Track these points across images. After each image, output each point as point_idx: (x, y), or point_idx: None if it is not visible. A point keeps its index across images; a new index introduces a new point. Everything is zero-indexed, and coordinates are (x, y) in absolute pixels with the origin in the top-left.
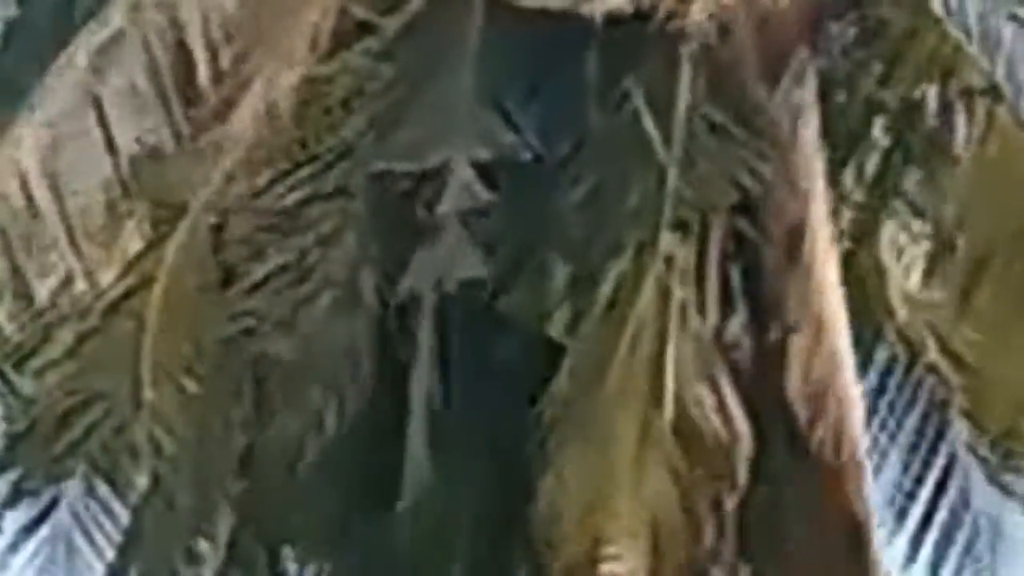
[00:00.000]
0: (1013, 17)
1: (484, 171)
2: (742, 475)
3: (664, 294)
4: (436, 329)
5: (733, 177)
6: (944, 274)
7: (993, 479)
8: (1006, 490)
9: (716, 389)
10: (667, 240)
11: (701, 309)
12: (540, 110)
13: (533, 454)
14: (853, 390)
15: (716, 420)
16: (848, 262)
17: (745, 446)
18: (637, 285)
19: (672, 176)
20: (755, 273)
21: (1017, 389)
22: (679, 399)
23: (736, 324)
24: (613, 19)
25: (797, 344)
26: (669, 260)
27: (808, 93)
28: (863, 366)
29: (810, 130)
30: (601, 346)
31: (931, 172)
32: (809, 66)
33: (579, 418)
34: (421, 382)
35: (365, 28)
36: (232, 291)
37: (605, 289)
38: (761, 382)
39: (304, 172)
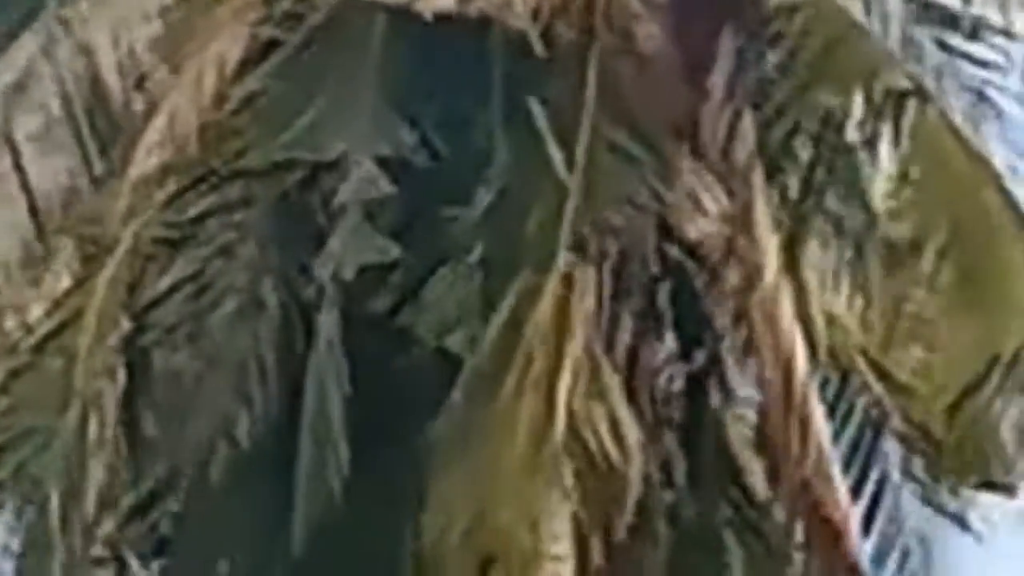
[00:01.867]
0: (937, 42)
1: (385, 166)
2: (631, 500)
3: (562, 313)
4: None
5: (633, 199)
6: (870, 291)
7: (926, 498)
8: (940, 509)
9: (611, 410)
10: (566, 259)
11: (600, 329)
12: (442, 116)
13: (426, 470)
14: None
15: (609, 442)
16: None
17: (637, 469)
18: (535, 303)
19: (573, 196)
20: (683, 297)
21: (948, 407)
22: (571, 419)
23: (664, 349)
24: (517, 32)
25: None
26: (568, 279)
27: (739, 110)
28: None
29: (746, 151)
30: (496, 362)
31: (854, 186)
32: (735, 80)
33: (470, 434)
34: (322, 381)
35: (272, 47)
36: (138, 304)
37: (504, 306)
38: (690, 407)
39: (203, 186)
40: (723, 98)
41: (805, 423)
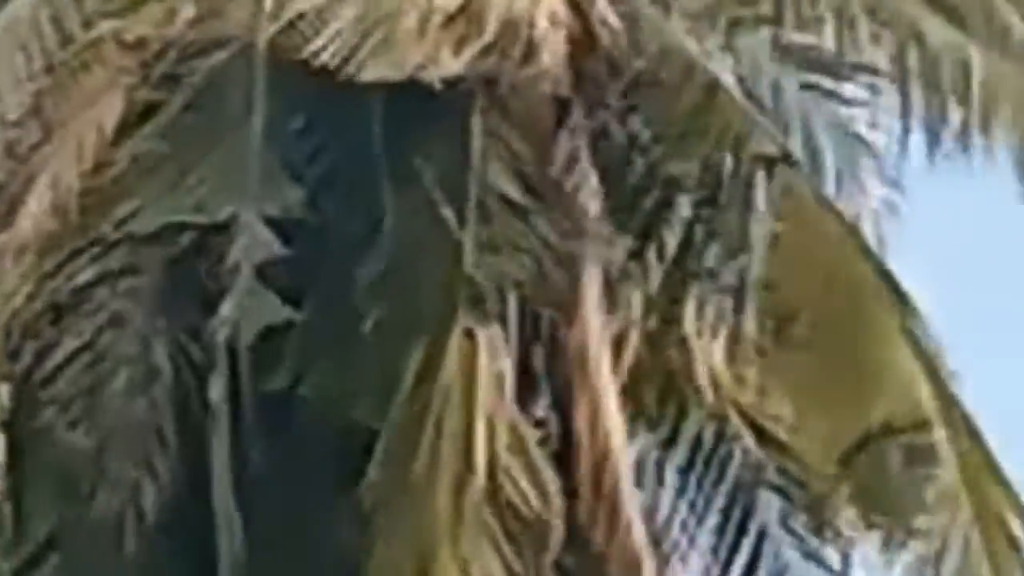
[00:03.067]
0: (805, 85)
1: (275, 226)
2: (555, 544)
3: (469, 369)
4: (232, 398)
5: (527, 250)
6: (747, 348)
7: (807, 552)
8: (821, 563)
9: (529, 461)
10: (466, 316)
11: (510, 383)
12: (329, 176)
13: (354, 540)
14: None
15: (530, 491)
16: (653, 340)
17: (557, 514)
18: (439, 365)
19: (467, 252)
20: (555, 354)
21: (823, 460)
22: (492, 476)
23: (542, 406)
24: (403, 85)
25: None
26: (470, 335)
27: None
28: (670, 443)
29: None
30: (410, 426)
31: (731, 245)
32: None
33: (396, 499)
34: (220, 456)
35: (152, 109)
36: (32, 380)
37: (409, 369)
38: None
39: (88, 254)
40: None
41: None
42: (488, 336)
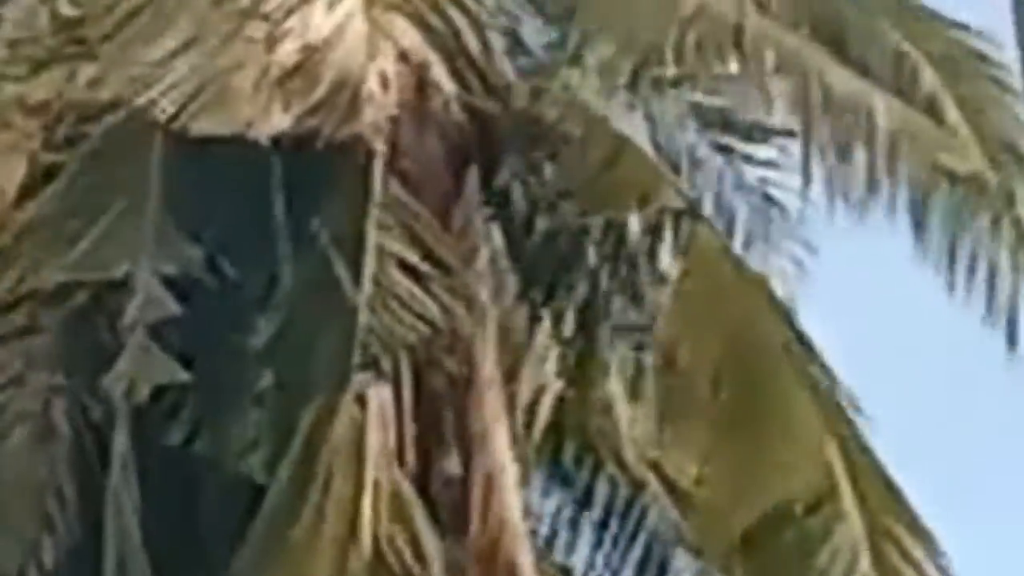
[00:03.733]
0: (719, 147)
1: (171, 285)
2: None
3: (358, 435)
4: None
5: (423, 314)
6: (657, 402)
7: None
8: None
9: (413, 531)
10: (359, 380)
11: (399, 449)
12: (226, 236)
13: None
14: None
15: (412, 563)
16: (566, 396)
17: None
18: (330, 427)
19: (362, 316)
20: (463, 411)
21: (733, 517)
22: (376, 542)
23: (451, 463)
24: (296, 146)
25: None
26: (361, 400)
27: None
28: (584, 501)
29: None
30: (295, 488)
31: (638, 298)
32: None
33: (277, 559)
34: (119, 502)
35: (53, 171)
36: None
37: (299, 431)
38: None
39: None
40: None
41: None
42: (379, 402)
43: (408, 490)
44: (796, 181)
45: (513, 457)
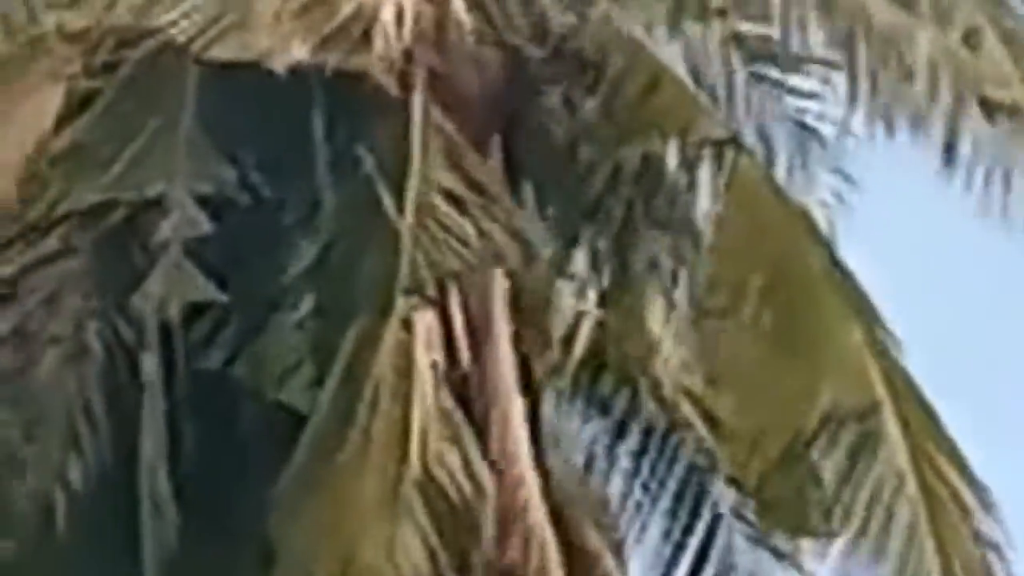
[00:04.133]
0: (756, 76)
1: (206, 204)
2: (488, 531)
3: (406, 357)
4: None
5: (465, 241)
6: (696, 334)
7: (757, 539)
8: (771, 550)
9: (462, 448)
10: (403, 304)
11: (447, 370)
12: (263, 158)
13: (273, 527)
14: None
15: (462, 479)
16: (603, 326)
17: (490, 504)
18: (375, 349)
19: (406, 241)
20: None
21: (772, 447)
22: (424, 460)
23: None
24: (337, 75)
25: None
26: (407, 324)
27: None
28: (623, 428)
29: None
30: (339, 412)
31: (676, 229)
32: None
33: (318, 487)
34: (151, 434)
35: (91, 97)
36: None
37: (342, 354)
38: None
39: (22, 242)
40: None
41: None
42: (426, 326)
43: (456, 411)
44: (837, 113)
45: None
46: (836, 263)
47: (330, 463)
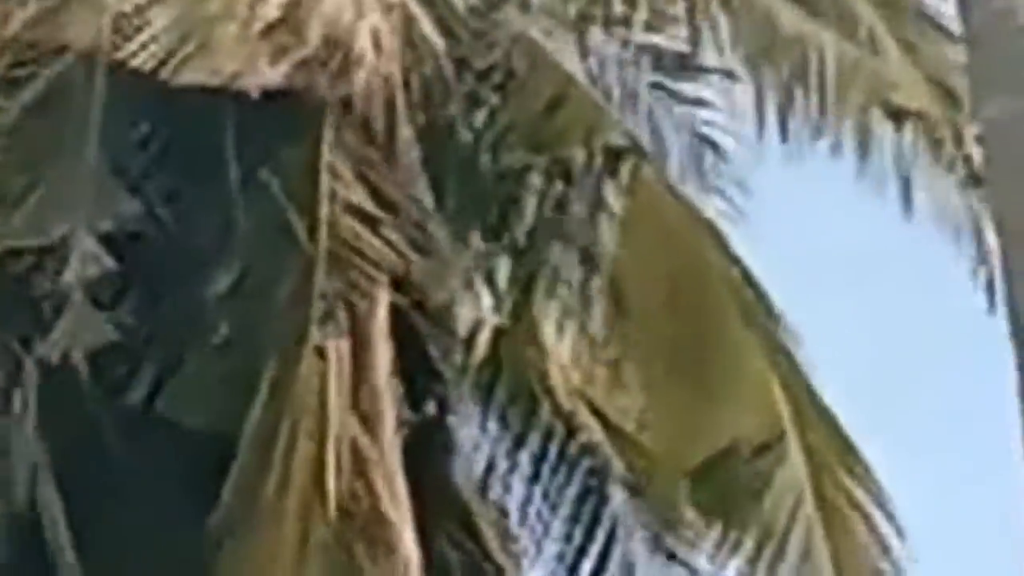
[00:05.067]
0: (654, 85)
1: (110, 242)
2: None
3: (320, 389)
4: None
5: (379, 261)
6: (595, 341)
7: (655, 546)
8: (669, 556)
9: (370, 484)
10: (317, 333)
11: (355, 400)
12: (173, 188)
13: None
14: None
15: (376, 521)
16: (503, 333)
17: (407, 542)
18: (292, 381)
19: (320, 268)
20: (410, 345)
21: (671, 454)
22: (339, 496)
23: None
24: (247, 96)
25: None
26: (321, 353)
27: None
28: (521, 437)
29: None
30: (261, 448)
31: (580, 239)
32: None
33: (243, 529)
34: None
35: None
36: None
37: (262, 387)
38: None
39: None
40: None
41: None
42: (338, 353)
43: (367, 443)
44: (735, 123)
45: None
46: (741, 271)
47: (253, 502)
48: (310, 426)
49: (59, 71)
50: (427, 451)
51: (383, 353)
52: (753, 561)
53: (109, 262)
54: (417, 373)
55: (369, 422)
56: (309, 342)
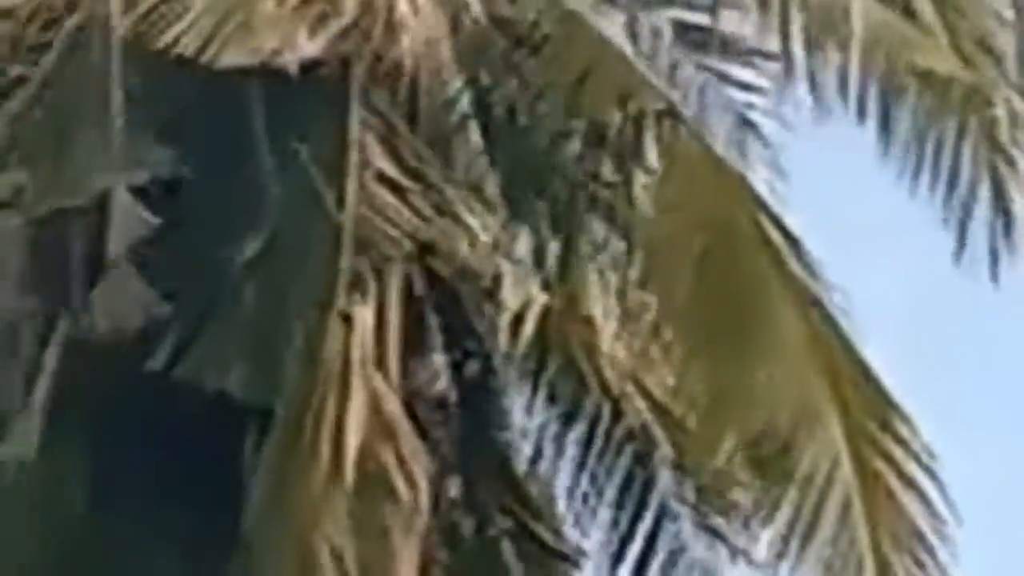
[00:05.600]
0: (701, 67)
1: (145, 198)
2: (421, 528)
3: (345, 355)
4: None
5: (408, 229)
6: (638, 316)
7: (703, 525)
8: (716, 535)
9: (397, 446)
10: (344, 300)
11: (383, 364)
12: (206, 155)
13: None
14: None
15: (397, 477)
16: (550, 310)
17: (423, 500)
18: (318, 348)
19: (347, 235)
20: (450, 309)
21: (714, 431)
22: (361, 459)
23: (436, 361)
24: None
25: None
26: (348, 319)
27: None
28: (570, 417)
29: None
30: (295, 411)
31: (616, 201)
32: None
33: (282, 484)
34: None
35: (18, 83)
36: None
37: (289, 353)
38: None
39: None
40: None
41: None
42: (363, 319)
43: (392, 405)
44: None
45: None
46: (781, 230)
47: (288, 463)
48: (336, 389)
49: (75, 32)
50: (474, 420)
51: (414, 321)
52: (789, 529)
53: (150, 219)
54: (459, 342)
55: (395, 385)
56: (335, 308)
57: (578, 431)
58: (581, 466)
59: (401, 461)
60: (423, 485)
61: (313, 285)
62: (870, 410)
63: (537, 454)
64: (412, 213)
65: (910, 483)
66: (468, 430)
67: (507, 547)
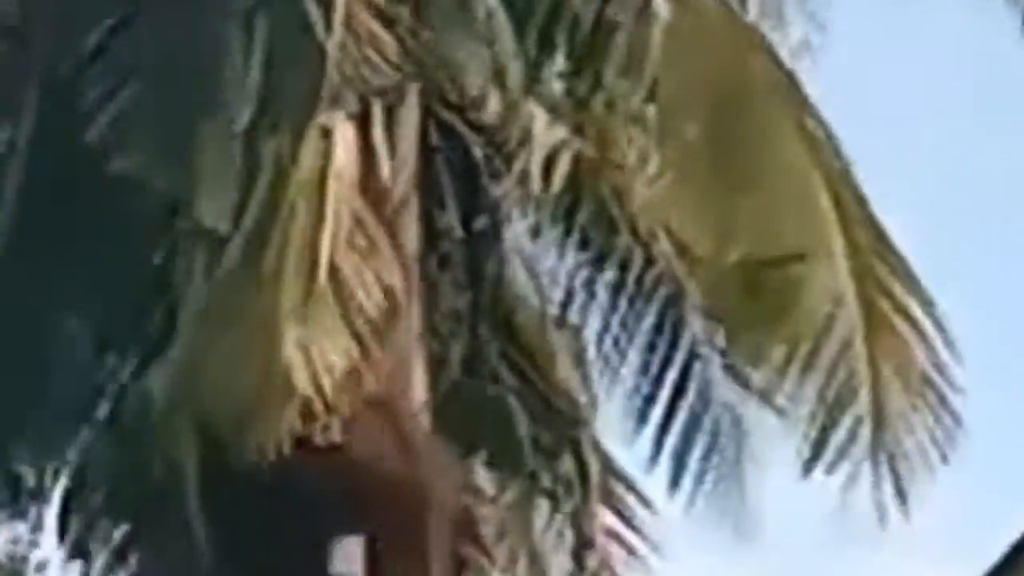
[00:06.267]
0: None
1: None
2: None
3: (322, 167)
4: None
5: (393, 59)
6: (651, 157)
7: (732, 371)
8: (744, 382)
9: (374, 263)
10: (325, 116)
11: (365, 183)
12: None
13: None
14: None
15: (374, 289)
16: (581, 157)
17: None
18: (294, 161)
19: (331, 56)
20: (464, 168)
21: (741, 273)
22: (334, 270)
23: (448, 216)
24: None
25: None
26: (327, 133)
27: None
28: (600, 261)
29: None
30: (264, 218)
31: (632, 52)
32: None
33: (247, 289)
34: None
35: None
36: None
37: (266, 165)
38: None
39: None
40: None
41: None
42: (344, 134)
43: (372, 223)
44: None
45: None
46: (786, 75)
47: (255, 269)
48: (310, 197)
49: None
50: (482, 266)
51: (405, 151)
52: (786, 362)
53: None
54: (466, 188)
55: (376, 205)
56: (314, 124)
57: (609, 275)
58: (612, 310)
59: (378, 277)
60: (402, 301)
61: (295, 104)
62: (875, 251)
63: (569, 297)
64: (403, 46)
65: (915, 326)
66: (475, 283)
67: (514, 403)
